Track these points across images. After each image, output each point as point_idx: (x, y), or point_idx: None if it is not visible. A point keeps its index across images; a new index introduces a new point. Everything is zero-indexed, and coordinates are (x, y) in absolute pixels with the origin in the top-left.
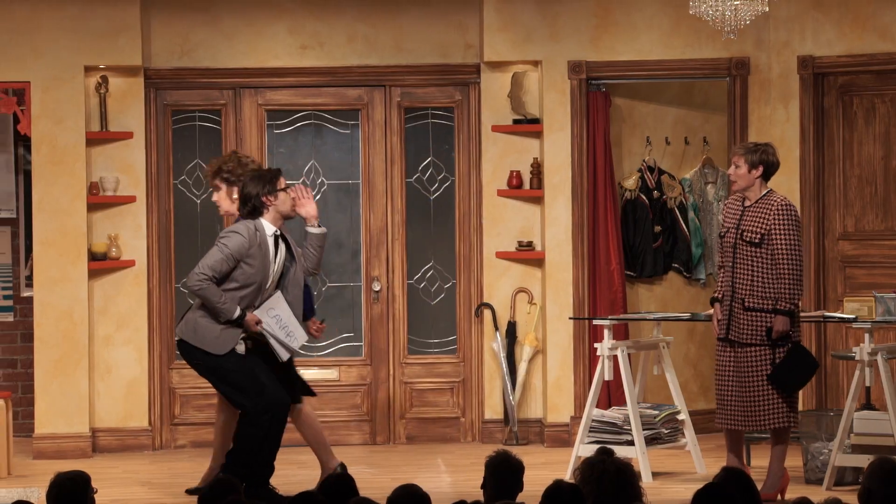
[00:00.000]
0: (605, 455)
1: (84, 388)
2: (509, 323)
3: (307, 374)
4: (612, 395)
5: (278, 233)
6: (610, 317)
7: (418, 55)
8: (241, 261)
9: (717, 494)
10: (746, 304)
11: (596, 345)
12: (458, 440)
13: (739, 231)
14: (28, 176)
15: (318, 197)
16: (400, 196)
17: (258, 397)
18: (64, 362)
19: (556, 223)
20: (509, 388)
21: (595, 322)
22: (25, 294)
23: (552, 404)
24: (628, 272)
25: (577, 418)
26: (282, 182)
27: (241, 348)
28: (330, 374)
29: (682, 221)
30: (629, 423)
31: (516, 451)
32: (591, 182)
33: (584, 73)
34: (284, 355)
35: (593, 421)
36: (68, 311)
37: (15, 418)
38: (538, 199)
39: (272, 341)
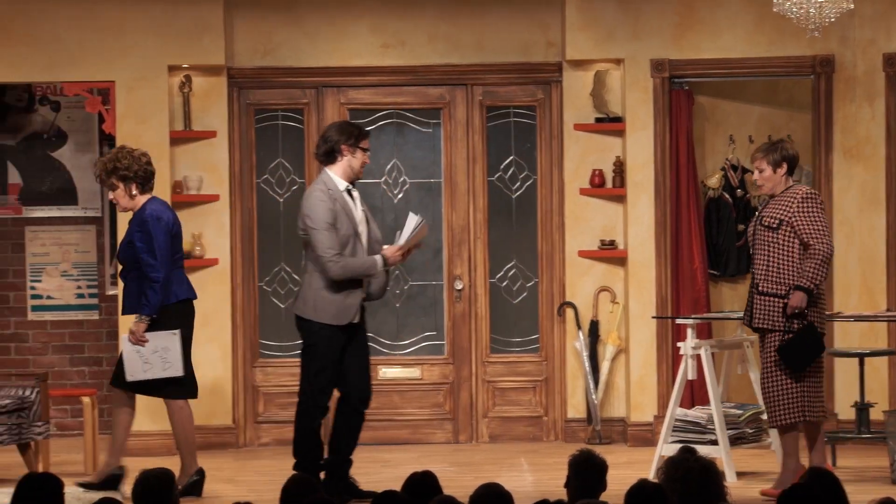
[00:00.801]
0: (688, 454)
1: None
2: (592, 322)
3: (390, 372)
4: (695, 394)
5: (349, 187)
6: (693, 316)
7: (500, 54)
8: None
9: (803, 495)
10: (760, 288)
11: (679, 344)
12: (541, 439)
13: (760, 218)
14: None
15: (400, 195)
16: (482, 195)
17: (315, 388)
18: None
19: (638, 222)
20: (592, 387)
21: (678, 321)
22: (110, 292)
23: (635, 403)
24: (711, 271)
25: (660, 417)
26: (365, 143)
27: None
28: (412, 372)
29: None
30: (713, 423)
31: (599, 450)
32: (673, 181)
33: (666, 71)
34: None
35: (677, 420)
36: None
37: (101, 416)
38: (621, 198)
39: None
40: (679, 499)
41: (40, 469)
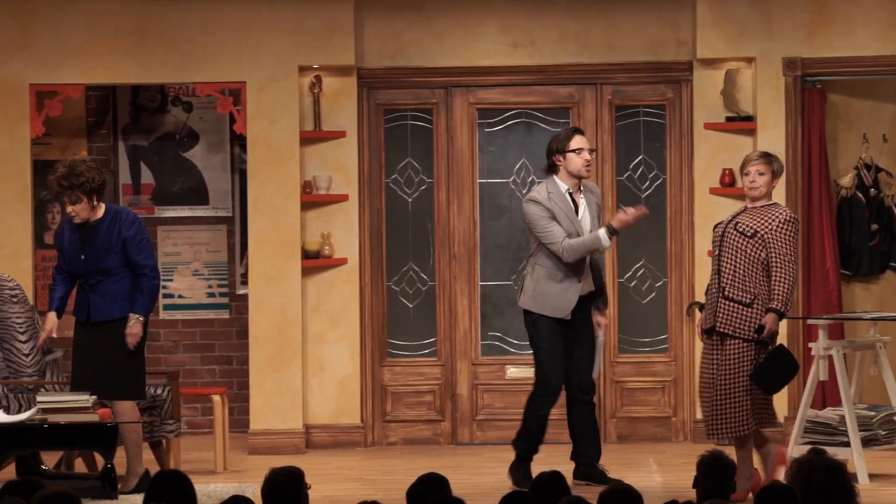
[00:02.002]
0: (816, 454)
1: (297, 384)
2: None
3: (517, 372)
4: (827, 395)
5: (570, 190)
6: (825, 316)
7: (630, 53)
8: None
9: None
10: (727, 293)
11: (811, 344)
12: (670, 439)
13: (734, 223)
14: (243, 175)
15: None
16: (611, 194)
17: (539, 376)
18: (278, 359)
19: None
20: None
21: (810, 321)
22: (241, 292)
23: None
24: (844, 271)
25: (791, 419)
26: (574, 143)
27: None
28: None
29: None
30: (844, 424)
31: (728, 451)
32: (805, 180)
33: (799, 69)
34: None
35: (808, 421)
36: (282, 309)
37: (230, 414)
38: None
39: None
40: (803, 498)
41: (171, 466)
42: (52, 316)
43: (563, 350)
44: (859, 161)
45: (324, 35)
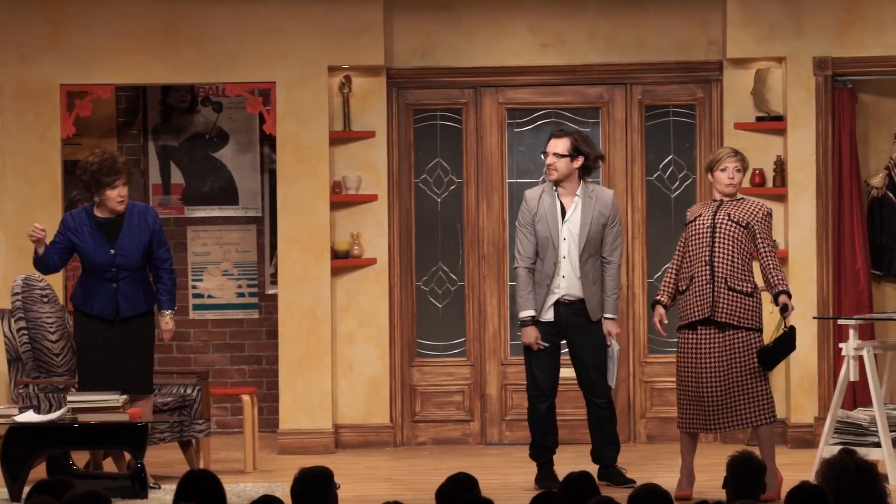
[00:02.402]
0: (846, 455)
1: (327, 384)
2: None
3: None
4: (857, 395)
5: (557, 192)
6: (855, 316)
7: (659, 52)
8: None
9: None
10: (729, 283)
11: (841, 345)
12: (700, 440)
13: (725, 214)
14: (273, 175)
15: None
16: (640, 194)
17: (530, 378)
18: (307, 359)
19: (799, 221)
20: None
21: (840, 322)
22: (270, 291)
23: (796, 404)
24: (874, 271)
25: (821, 419)
26: (548, 147)
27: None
28: (569, 372)
29: None
30: (875, 425)
31: (757, 451)
32: (835, 180)
33: (829, 69)
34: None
35: (838, 422)
36: (311, 309)
37: (260, 414)
38: (781, 198)
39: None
40: (834, 499)
41: (201, 466)
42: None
43: (556, 351)
44: (890, 161)
45: (353, 35)
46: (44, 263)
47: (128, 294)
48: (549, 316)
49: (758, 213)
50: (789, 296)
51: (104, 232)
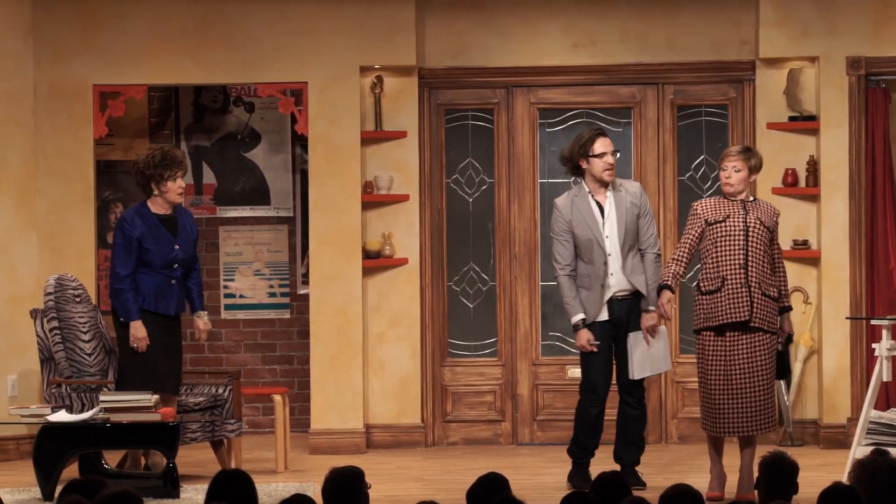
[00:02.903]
0: (879, 455)
1: (358, 384)
2: None
3: (578, 372)
4: (890, 396)
5: (591, 193)
6: (889, 317)
7: (692, 52)
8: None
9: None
10: (763, 289)
11: (874, 345)
12: (731, 440)
13: (756, 218)
14: (305, 175)
15: None
16: (672, 194)
17: (585, 380)
18: (339, 359)
19: (832, 221)
20: (784, 388)
21: (873, 322)
22: (302, 291)
23: (828, 405)
24: None
25: (853, 420)
26: (598, 147)
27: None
28: None
29: None
30: None
31: (791, 452)
32: (868, 180)
33: (863, 68)
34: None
35: (871, 423)
36: (343, 309)
37: (291, 414)
38: (814, 197)
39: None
40: (868, 500)
41: (233, 466)
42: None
43: (610, 352)
44: None
45: (385, 35)
46: (132, 292)
47: (183, 291)
48: (604, 315)
49: (773, 216)
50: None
51: (166, 227)
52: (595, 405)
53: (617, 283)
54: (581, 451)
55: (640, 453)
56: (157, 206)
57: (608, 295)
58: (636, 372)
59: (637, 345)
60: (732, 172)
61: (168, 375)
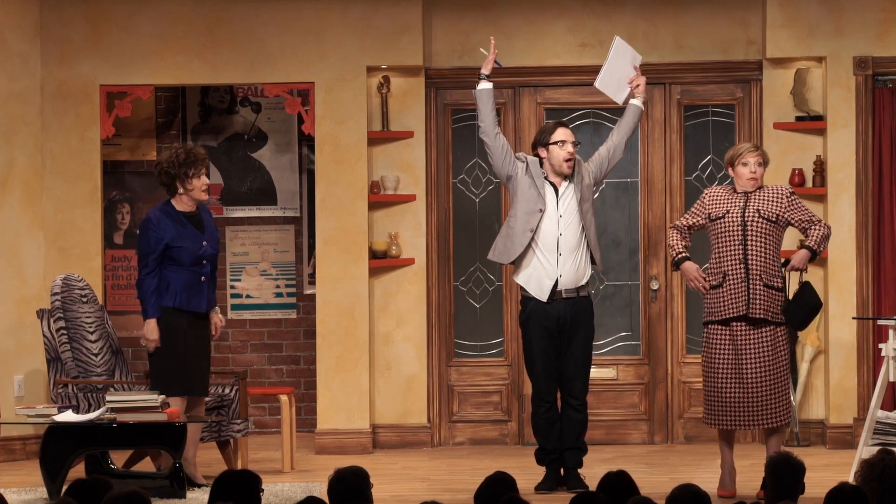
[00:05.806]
0: (886, 455)
1: (364, 384)
2: None
3: None
4: None
5: (549, 180)
6: (895, 317)
7: (699, 52)
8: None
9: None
10: (764, 280)
11: (881, 345)
12: (738, 441)
13: (755, 210)
14: (311, 175)
15: (596, 195)
16: (679, 194)
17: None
18: (345, 359)
19: (839, 221)
20: (790, 388)
21: (880, 322)
22: (308, 291)
23: (835, 405)
24: None
25: (860, 420)
26: (558, 135)
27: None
28: (607, 372)
29: None
30: None
31: (797, 452)
32: (875, 179)
33: (870, 68)
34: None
35: (877, 423)
36: (349, 309)
37: (297, 414)
38: (821, 197)
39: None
40: (876, 500)
41: (239, 466)
42: (154, 324)
43: (555, 354)
44: None
45: (392, 35)
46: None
47: (210, 288)
48: (548, 317)
49: (780, 202)
50: (812, 253)
51: (192, 224)
52: (543, 405)
53: (573, 274)
54: (542, 453)
55: (583, 455)
56: (181, 205)
57: (562, 285)
58: (597, 80)
59: (618, 56)
60: (757, 167)
61: (196, 377)
